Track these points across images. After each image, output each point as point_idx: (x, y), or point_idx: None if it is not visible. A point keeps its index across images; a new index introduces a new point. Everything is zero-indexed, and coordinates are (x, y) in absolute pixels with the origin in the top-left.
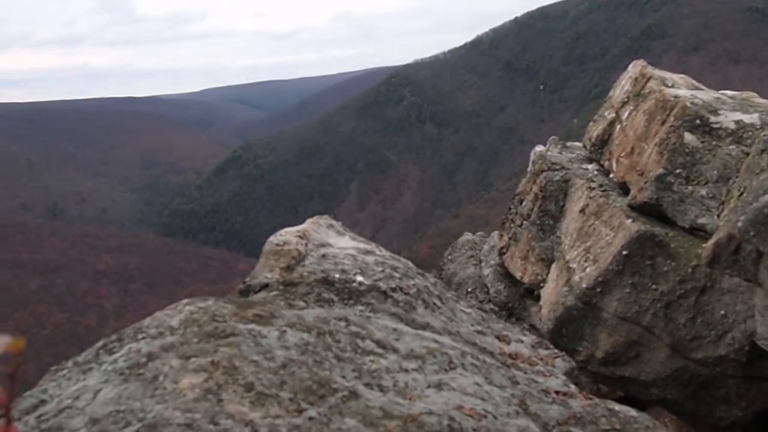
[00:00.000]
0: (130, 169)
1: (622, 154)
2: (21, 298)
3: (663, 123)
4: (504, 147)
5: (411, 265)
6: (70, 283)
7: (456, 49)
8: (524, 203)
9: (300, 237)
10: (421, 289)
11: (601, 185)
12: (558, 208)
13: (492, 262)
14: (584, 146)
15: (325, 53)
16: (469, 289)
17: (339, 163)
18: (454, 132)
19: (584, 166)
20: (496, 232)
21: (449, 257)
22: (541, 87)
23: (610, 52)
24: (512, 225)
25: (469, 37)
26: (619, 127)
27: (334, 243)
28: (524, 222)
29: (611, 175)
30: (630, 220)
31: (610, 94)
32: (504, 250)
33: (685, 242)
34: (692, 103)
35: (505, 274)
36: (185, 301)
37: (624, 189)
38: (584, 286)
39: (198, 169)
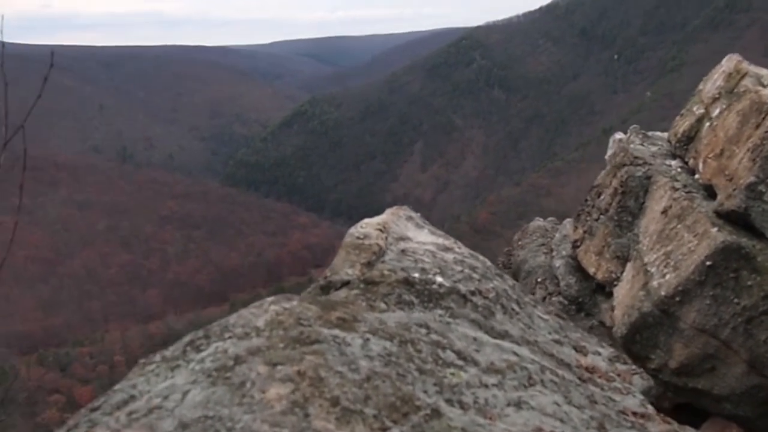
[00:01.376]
0: (198, 117)
1: (710, 155)
2: (88, 237)
3: (757, 127)
4: (573, 117)
5: (489, 264)
6: (135, 226)
7: (530, 13)
8: (602, 197)
9: (380, 230)
10: (500, 293)
11: (685, 185)
12: (638, 205)
13: (564, 253)
14: (669, 141)
15: (396, 10)
16: (539, 279)
17: (404, 123)
18: (523, 98)
19: (667, 162)
20: (568, 220)
21: (519, 243)
22: (616, 57)
23: (691, 23)
24: (588, 218)
25: (545, 0)
26: (708, 124)
27: (413, 236)
28: (601, 216)
29: (696, 176)
30: (716, 229)
31: (700, 87)
32: (578, 243)
33: None
34: None
35: (577, 267)
36: (270, 299)
37: (710, 192)
38: (663, 293)
39: (263, 122)
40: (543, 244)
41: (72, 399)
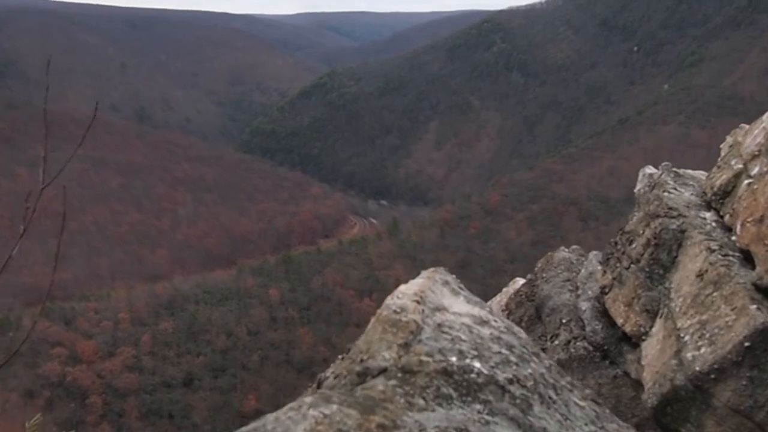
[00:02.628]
0: (217, 83)
1: (749, 219)
2: (101, 194)
3: None
4: (589, 105)
5: (524, 337)
6: (148, 185)
7: (553, 0)
8: (634, 245)
9: (417, 302)
10: (537, 379)
11: (721, 246)
12: (670, 258)
13: (590, 294)
14: (704, 192)
15: None
16: (564, 320)
17: (421, 101)
18: (541, 84)
19: (702, 213)
20: (594, 254)
21: (543, 275)
22: (636, 48)
23: (713, 20)
24: (618, 264)
25: None
26: (747, 182)
27: (448, 305)
28: (632, 265)
29: (733, 238)
30: (755, 306)
31: (739, 139)
32: (606, 290)
33: None
34: None
35: (603, 312)
36: (308, 400)
37: (746, 255)
38: (697, 368)
39: (283, 91)
40: (568, 280)
41: (75, 353)
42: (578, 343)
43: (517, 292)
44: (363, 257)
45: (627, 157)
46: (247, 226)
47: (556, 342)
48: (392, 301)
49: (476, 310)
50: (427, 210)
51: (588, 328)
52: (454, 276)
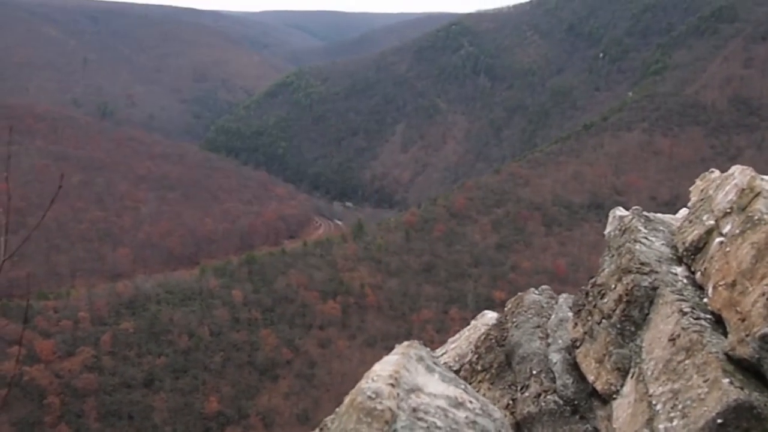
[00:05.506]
0: (182, 79)
1: (721, 283)
2: (62, 191)
3: None
4: (555, 109)
5: (498, 418)
6: (110, 182)
7: (521, 5)
8: (606, 299)
9: (392, 385)
10: None
11: (693, 308)
12: (642, 315)
13: (560, 343)
14: (675, 248)
15: None
16: (534, 371)
17: (388, 103)
18: (507, 88)
19: (673, 269)
20: (564, 297)
21: (513, 320)
22: (601, 55)
23: (677, 29)
24: (590, 318)
25: None
26: (718, 240)
27: (423, 385)
28: (603, 320)
29: (705, 300)
30: (727, 380)
31: (710, 194)
32: (577, 344)
33: None
34: None
35: (574, 366)
36: None
37: (718, 319)
38: None
39: (248, 89)
40: (538, 326)
41: (33, 352)
42: (548, 397)
43: (487, 335)
44: (327, 259)
45: (591, 163)
46: (211, 226)
47: (527, 394)
48: (367, 384)
49: (451, 390)
50: (392, 212)
51: (559, 382)
52: (428, 350)
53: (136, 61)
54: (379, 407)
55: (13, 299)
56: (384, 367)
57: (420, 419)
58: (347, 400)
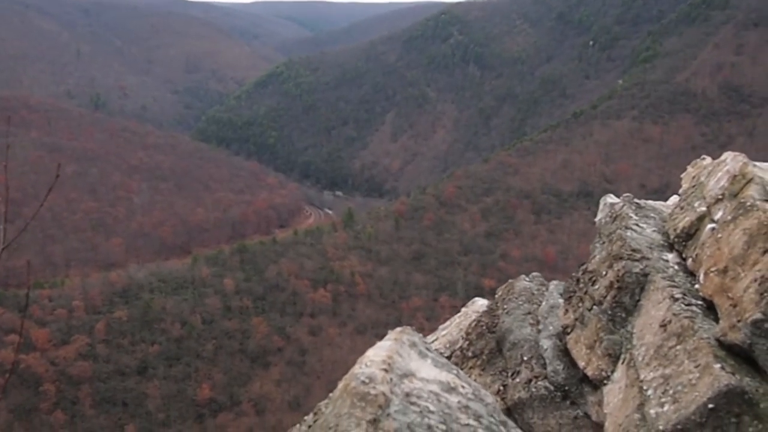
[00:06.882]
0: (173, 71)
1: (713, 269)
2: (56, 182)
3: (764, 252)
4: (544, 98)
5: (491, 402)
6: (103, 173)
7: None
8: (597, 286)
9: (385, 370)
10: None
11: (684, 294)
12: (633, 302)
13: (551, 330)
14: (666, 234)
15: None
16: (525, 357)
17: (378, 92)
18: (497, 76)
19: (664, 255)
20: (555, 284)
21: (504, 306)
22: (591, 43)
23: (667, 16)
24: (581, 304)
25: None
26: (710, 227)
27: (416, 370)
28: (594, 307)
29: (696, 286)
30: (719, 366)
31: (702, 180)
32: (568, 330)
33: None
34: None
35: (565, 351)
36: None
37: (709, 305)
38: (660, 427)
39: (239, 80)
40: (529, 312)
41: (28, 340)
42: (539, 383)
43: (478, 322)
44: (318, 248)
45: (580, 151)
46: (203, 215)
47: (518, 380)
48: (360, 369)
49: (444, 375)
50: (382, 201)
51: (549, 368)
52: (420, 336)
53: (127, 52)
54: (373, 392)
55: (9, 288)
56: (377, 353)
57: (413, 404)
58: (341, 385)
